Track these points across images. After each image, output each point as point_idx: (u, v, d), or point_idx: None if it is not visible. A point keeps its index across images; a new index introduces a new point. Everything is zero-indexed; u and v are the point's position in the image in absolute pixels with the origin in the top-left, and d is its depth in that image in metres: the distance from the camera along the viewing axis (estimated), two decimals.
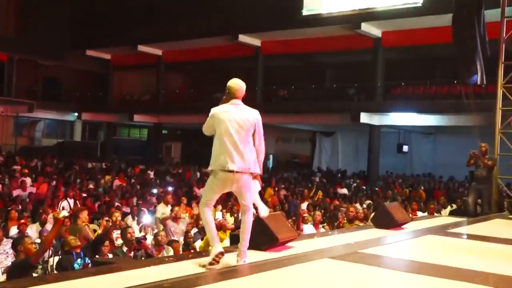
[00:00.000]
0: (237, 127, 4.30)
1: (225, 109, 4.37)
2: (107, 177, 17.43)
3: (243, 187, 4.39)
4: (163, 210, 9.71)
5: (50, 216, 9.83)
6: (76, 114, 29.92)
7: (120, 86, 30.97)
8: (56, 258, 6.69)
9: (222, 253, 4.36)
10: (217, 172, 4.33)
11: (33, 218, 10.23)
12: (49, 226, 9.28)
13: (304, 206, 11.87)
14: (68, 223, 7.96)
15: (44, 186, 14.25)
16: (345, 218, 9.10)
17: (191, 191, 15.47)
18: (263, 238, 5.12)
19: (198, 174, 20.43)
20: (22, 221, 9.21)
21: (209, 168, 4.39)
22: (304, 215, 9.35)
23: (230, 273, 4.34)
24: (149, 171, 20.43)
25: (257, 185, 4.61)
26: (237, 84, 4.43)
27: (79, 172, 18.68)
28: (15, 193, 13.08)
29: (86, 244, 6.01)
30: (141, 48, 26.73)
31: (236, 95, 4.41)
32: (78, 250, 5.76)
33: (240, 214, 4.71)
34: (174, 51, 27.16)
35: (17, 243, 5.58)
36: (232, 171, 4.26)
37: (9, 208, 10.47)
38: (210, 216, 4.52)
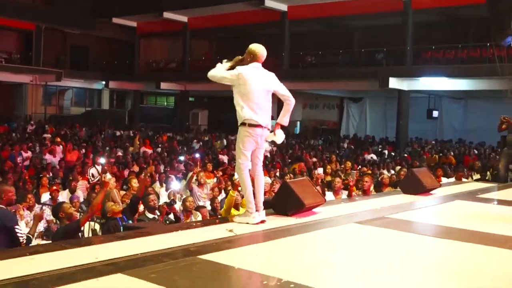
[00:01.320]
0: (261, 88, 4.64)
1: (251, 71, 4.64)
2: (136, 141, 17.66)
3: (263, 142, 4.76)
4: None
5: (80, 183, 10.04)
6: (104, 82, 30.19)
7: (146, 54, 31.01)
8: (92, 223, 6.90)
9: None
10: (244, 126, 4.61)
11: (63, 185, 10.44)
12: (79, 193, 9.47)
13: (320, 170, 11.68)
14: (98, 189, 8.07)
15: (74, 154, 14.50)
16: (360, 189, 8.64)
17: (218, 158, 15.55)
18: (290, 203, 5.11)
19: (225, 141, 20.49)
20: (54, 187, 9.42)
21: (240, 122, 4.67)
22: (319, 180, 9.17)
23: (257, 237, 4.36)
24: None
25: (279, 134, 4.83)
26: (260, 49, 4.74)
27: (107, 140, 18.94)
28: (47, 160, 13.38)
29: (125, 207, 6.15)
30: (167, 15, 26.58)
31: (258, 59, 4.72)
32: (120, 215, 5.87)
33: (256, 172, 4.82)
34: (200, 18, 26.93)
35: (57, 210, 5.70)
36: (259, 125, 4.60)
37: (41, 175, 10.71)
38: (248, 179, 4.72)
